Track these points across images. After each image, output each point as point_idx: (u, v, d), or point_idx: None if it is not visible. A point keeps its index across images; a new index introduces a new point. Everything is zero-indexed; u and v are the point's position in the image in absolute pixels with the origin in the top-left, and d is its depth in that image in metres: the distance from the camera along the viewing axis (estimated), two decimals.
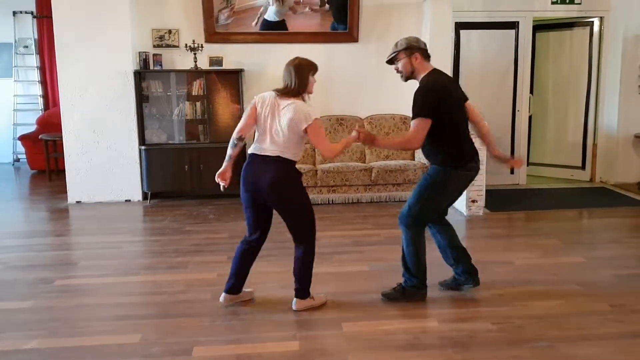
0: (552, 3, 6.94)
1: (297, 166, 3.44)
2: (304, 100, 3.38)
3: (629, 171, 7.07)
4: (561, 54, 7.37)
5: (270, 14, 6.70)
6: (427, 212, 3.51)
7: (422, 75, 3.41)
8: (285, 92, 3.35)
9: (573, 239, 4.96)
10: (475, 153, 3.50)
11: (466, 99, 3.53)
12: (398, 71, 3.49)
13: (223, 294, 3.58)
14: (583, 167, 7.37)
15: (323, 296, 3.64)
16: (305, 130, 3.28)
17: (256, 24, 6.70)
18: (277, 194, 3.33)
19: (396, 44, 3.47)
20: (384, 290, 3.65)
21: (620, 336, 3.10)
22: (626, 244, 4.84)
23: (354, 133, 3.49)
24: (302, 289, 3.50)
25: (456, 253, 3.68)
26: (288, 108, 3.30)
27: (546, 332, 3.16)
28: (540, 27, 7.31)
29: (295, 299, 3.52)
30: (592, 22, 7.08)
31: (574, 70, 7.29)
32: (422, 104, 3.29)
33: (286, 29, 6.75)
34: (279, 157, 3.30)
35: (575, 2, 6.94)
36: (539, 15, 7.04)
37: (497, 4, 6.84)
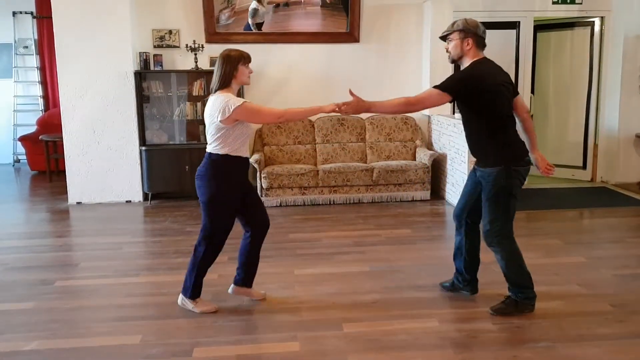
0: (553, 3, 6.93)
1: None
2: (233, 93, 3.35)
3: (629, 171, 7.06)
4: (562, 54, 7.36)
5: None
6: (508, 222, 3.32)
7: (469, 61, 3.28)
8: (214, 89, 3.34)
9: (574, 239, 4.95)
10: (526, 148, 3.40)
11: (516, 93, 3.44)
12: (447, 50, 3.37)
13: (231, 285, 3.67)
14: (584, 167, 7.36)
15: (210, 305, 3.55)
16: (225, 121, 3.22)
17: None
18: (197, 187, 3.44)
19: (453, 24, 3.33)
20: (493, 305, 3.41)
21: (621, 336, 3.10)
22: (627, 243, 4.84)
23: (330, 106, 3.38)
24: (184, 287, 3.51)
25: (470, 262, 3.60)
26: (208, 104, 3.34)
27: (547, 332, 3.15)
28: (541, 27, 7.30)
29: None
30: (593, 22, 7.07)
31: (575, 70, 7.28)
32: (452, 80, 3.23)
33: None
34: (208, 152, 3.38)
35: (576, 2, 6.93)
36: (540, 15, 7.03)
37: (498, 4, 6.83)
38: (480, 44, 3.28)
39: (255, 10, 6.67)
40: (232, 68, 3.31)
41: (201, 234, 3.46)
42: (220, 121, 3.23)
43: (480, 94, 3.18)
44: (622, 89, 6.91)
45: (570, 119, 7.38)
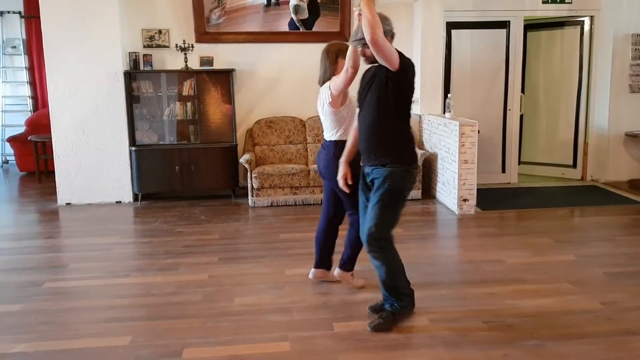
0: (543, 2, 6.95)
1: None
2: None
3: (619, 169, 7.11)
4: (552, 53, 7.39)
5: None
6: (393, 226, 3.22)
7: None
8: (320, 81, 3.70)
9: (564, 238, 4.97)
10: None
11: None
12: (364, 56, 3.29)
13: (312, 269, 3.90)
14: (574, 165, 7.40)
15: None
16: (332, 104, 3.54)
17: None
18: (330, 175, 3.60)
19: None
20: (371, 322, 3.24)
21: (611, 334, 3.11)
22: (617, 242, 4.86)
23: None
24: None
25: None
26: (320, 94, 3.65)
27: (537, 330, 3.16)
28: (531, 26, 7.33)
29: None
30: (583, 21, 7.10)
31: (565, 69, 7.31)
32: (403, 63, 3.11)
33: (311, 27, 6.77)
34: (329, 141, 3.64)
35: (566, 1, 6.95)
36: (530, 14, 7.06)
37: (488, 3, 6.85)
38: (392, 37, 3.23)
39: (297, 7, 6.62)
40: (331, 62, 3.62)
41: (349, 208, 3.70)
42: (329, 104, 3.53)
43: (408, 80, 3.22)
44: (612, 87, 6.95)
45: (561, 118, 7.42)
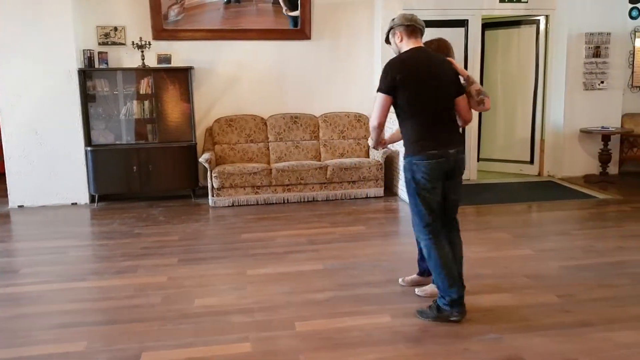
0: (500, 1, 7.07)
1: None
2: None
3: (575, 165, 7.29)
4: (509, 51, 7.53)
5: None
6: (418, 217, 3.23)
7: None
8: None
9: (522, 232, 5.06)
10: (447, 141, 3.19)
11: (459, 92, 3.23)
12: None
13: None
14: (531, 161, 7.55)
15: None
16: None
17: None
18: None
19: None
20: (420, 308, 3.34)
21: (567, 326, 3.17)
22: (572, 235, 4.98)
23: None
24: None
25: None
26: None
27: (495, 324, 3.19)
28: (489, 25, 7.44)
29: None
30: (539, 20, 7.26)
31: (522, 67, 7.46)
32: (381, 78, 3.16)
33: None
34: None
35: (522, 1, 7.09)
36: (488, 13, 7.17)
37: (447, 2, 6.92)
38: (410, 30, 3.22)
39: None
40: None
41: None
42: None
43: (398, 84, 3.10)
44: (567, 85, 7.12)
45: (518, 115, 7.56)
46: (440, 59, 3.26)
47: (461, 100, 3.24)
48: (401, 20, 3.25)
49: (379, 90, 3.16)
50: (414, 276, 3.78)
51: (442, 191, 3.20)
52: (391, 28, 3.30)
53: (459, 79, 3.27)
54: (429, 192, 3.17)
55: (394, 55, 3.29)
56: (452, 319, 3.21)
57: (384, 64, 3.20)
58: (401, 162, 3.37)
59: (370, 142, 3.63)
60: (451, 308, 3.21)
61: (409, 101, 3.15)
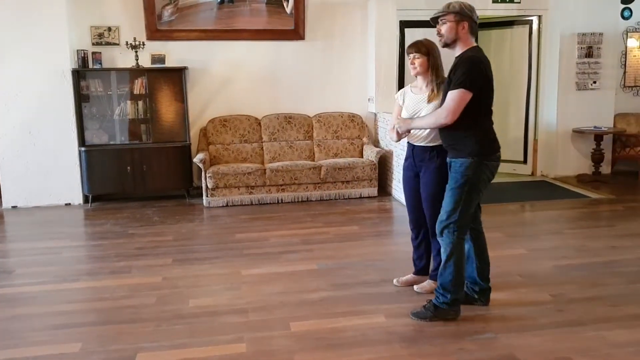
0: (493, 2, 7.11)
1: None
2: (416, 84, 3.65)
3: (568, 165, 7.33)
4: (502, 52, 7.56)
5: None
6: (467, 216, 3.18)
7: (463, 49, 3.12)
8: None
9: (515, 232, 5.09)
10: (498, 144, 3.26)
11: None
12: (439, 34, 3.18)
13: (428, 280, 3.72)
14: (525, 161, 7.59)
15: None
16: None
17: None
18: None
19: (448, 5, 3.14)
20: (414, 310, 3.33)
21: (560, 325, 3.19)
22: (565, 235, 5.01)
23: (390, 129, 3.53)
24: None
25: (481, 267, 3.41)
26: None
27: (490, 323, 3.22)
28: (482, 25, 7.39)
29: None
30: (531, 20, 7.29)
31: (514, 67, 7.49)
32: (467, 75, 2.99)
33: None
34: None
35: (515, 1, 7.13)
36: (480, 13, 7.07)
37: (440, 3, 6.89)
38: (475, 30, 3.14)
39: None
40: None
41: None
42: None
43: (487, 82, 3.07)
44: (560, 85, 7.16)
45: (511, 115, 7.60)
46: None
47: None
48: (472, 13, 3.12)
49: (463, 86, 2.99)
50: (409, 276, 3.79)
51: None
52: (459, 14, 3.10)
53: None
54: (480, 192, 3.21)
55: (439, 43, 3.24)
56: (449, 317, 3.23)
57: (467, 61, 3.05)
58: (422, 160, 3.32)
59: (393, 135, 3.47)
60: (450, 307, 3.23)
61: (487, 101, 3.12)
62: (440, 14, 3.16)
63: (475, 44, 3.18)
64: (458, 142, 3.17)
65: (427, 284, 3.67)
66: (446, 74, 3.32)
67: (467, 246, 3.37)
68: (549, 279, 3.90)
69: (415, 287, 3.70)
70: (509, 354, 2.87)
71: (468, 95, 3.01)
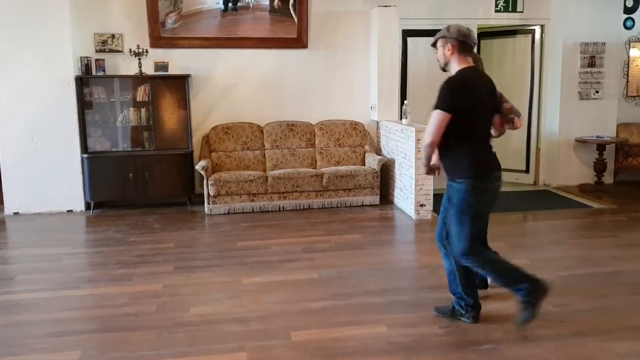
0: (496, 11, 7.13)
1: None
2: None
3: (570, 174, 7.32)
4: (505, 61, 7.57)
5: None
6: (469, 237, 3.16)
7: (455, 70, 3.15)
8: None
9: (518, 242, 5.07)
10: (498, 164, 3.27)
11: (498, 110, 3.28)
12: (438, 61, 3.27)
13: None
14: (527, 170, 7.58)
15: None
16: None
17: None
18: None
19: (444, 29, 3.22)
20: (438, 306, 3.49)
21: (563, 336, 3.17)
22: (568, 245, 4.99)
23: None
24: None
25: (466, 284, 3.38)
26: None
27: (491, 334, 3.20)
28: (485, 34, 7.49)
29: None
30: (534, 30, 7.30)
31: (517, 76, 7.50)
32: (442, 97, 3.03)
33: None
34: None
35: (518, 10, 7.14)
36: (483, 23, 7.21)
37: (442, 12, 6.97)
38: (464, 48, 3.15)
39: None
40: None
41: None
42: None
43: (464, 104, 3.06)
44: (562, 94, 7.16)
45: None
46: (488, 79, 3.24)
47: (496, 117, 3.28)
48: (457, 34, 3.15)
49: (440, 108, 3.03)
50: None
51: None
52: (443, 37, 3.19)
53: (497, 97, 3.30)
54: (482, 217, 3.23)
55: (437, 62, 3.27)
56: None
57: (446, 82, 3.07)
58: (434, 182, 3.31)
59: (422, 167, 3.46)
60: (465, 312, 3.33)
61: (470, 122, 3.10)
62: (433, 43, 3.29)
63: (469, 64, 3.18)
64: (451, 165, 3.22)
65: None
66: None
67: (448, 262, 3.38)
68: (551, 290, 3.87)
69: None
70: None
71: (444, 116, 3.03)
